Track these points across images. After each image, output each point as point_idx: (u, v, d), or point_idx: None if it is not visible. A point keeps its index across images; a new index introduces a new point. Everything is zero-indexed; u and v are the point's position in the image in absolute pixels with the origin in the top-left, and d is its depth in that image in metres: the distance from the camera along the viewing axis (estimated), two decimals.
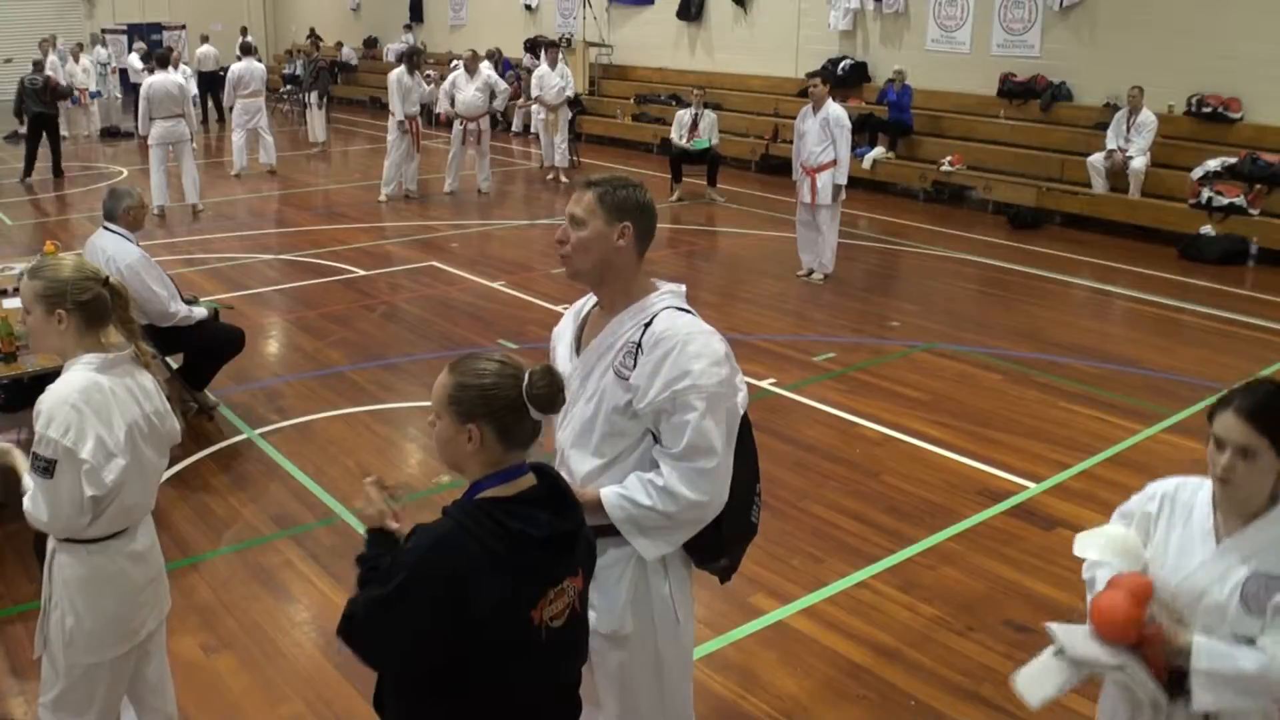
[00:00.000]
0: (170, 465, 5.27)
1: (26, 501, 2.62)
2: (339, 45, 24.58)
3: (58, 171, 13.99)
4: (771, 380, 6.54)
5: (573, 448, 2.46)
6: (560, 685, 2.10)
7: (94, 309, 2.64)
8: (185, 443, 5.56)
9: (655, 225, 2.46)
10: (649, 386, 2.30)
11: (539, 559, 1.93)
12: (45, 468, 2.54)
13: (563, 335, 2.61)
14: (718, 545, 2.47)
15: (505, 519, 1.89)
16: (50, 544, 2.75)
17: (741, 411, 2.42)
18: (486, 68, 14.09)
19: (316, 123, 16.99)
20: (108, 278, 2.69)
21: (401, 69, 12.54)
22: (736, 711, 3.54)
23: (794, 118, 14.85)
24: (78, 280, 2.62)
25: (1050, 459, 5.48)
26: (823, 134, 8.72)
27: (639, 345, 2.34)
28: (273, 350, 7.27)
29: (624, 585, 2.41)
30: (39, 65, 14.71)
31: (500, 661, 1.92)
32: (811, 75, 9.74)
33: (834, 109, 8.79)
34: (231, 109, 14.56)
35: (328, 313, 7.99)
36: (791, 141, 14.74)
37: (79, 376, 2.61)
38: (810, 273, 9.07)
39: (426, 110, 14.02)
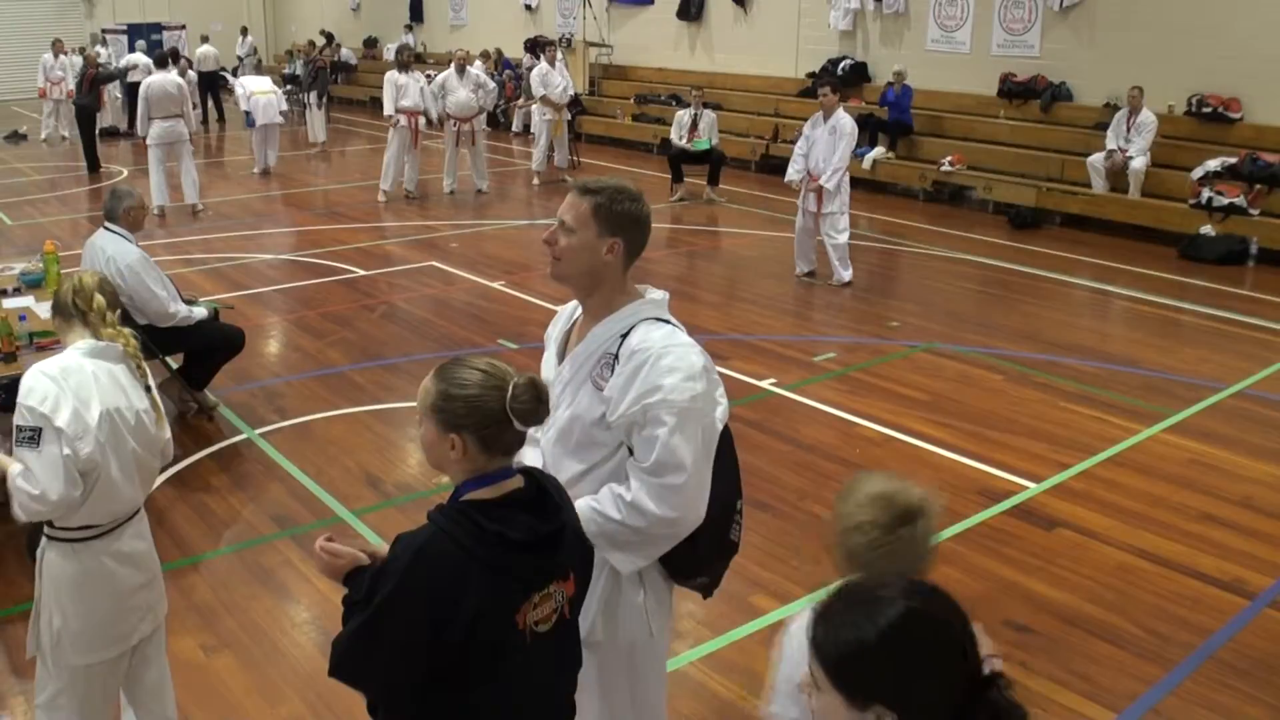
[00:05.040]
0: (170, 465, 5.28)
1: (20, 484, 2.61)
2: (338, 46, 24.57)
3: (93, 166, 14.32)
4: (771, 380, 6.54)
5: (554, 453, 2.44)
6: (551, 690, 2.08)
7: (59, 302, 2.85)
8: (185, 443, 5.58)
9: (647, 238, 2.41)
10: (621, 399, 2.27)
11: (519, 562, 1.91)
12: (31, 437, 2.59)
13: (551, 338, 2.59)
14: (694, 562, 2.42)
15: (484, 521, 1.88)
16: (42, 543, 2.76)
17: (720, 427, 2.37)
18: (475, 67, 14.07)
19: (316, 123, 16.97)
20: (78, 276, 2.87)
21: (395, 71, 12.60)
22: (737, 711, 3.53)
23: (794, 118, 14.99)
24: (61, 282, 2.93)
25: (1050, 459, 5.48)
26: (831, 142, 8.67)
27: (615, 357, 2.31)
28: (273, 350, 7.27)
29: (597, 592, 2.38)
30: (93, 60, 15.17)
31: (486, 666, 1.91)
32: (820, 81, 9.58)
33: (843, 119, 8.72)
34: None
35: (328, 313, 7.99)
36: (791, 141, 14.79)
37: (64, 357, 2.73)
38: (811, 273, 9.07)
39: None
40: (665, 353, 2.27)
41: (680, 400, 2.23)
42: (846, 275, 8.85)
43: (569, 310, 2.58)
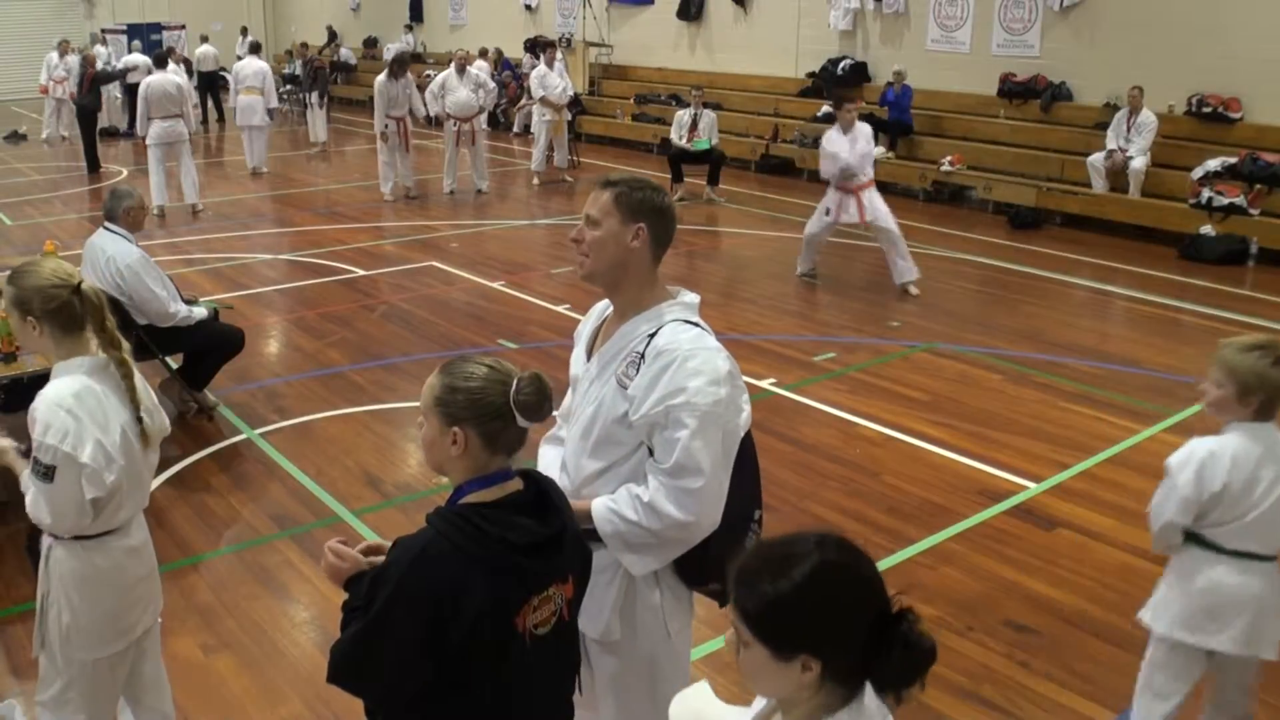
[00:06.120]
0: (170, 465, 5.28)
1: (29, 503, 2.63)
2: (338, 45, 24.58)
3: (93, 166, 14.32)
4: (771, 380, 6.54)
5: (575, 450, 2.44)
6: (549, 692, 2.08)
7: (64, 317, 2.61)
8: (185, 443, 5.58)
9: (673, 231, 2.41)
10: (644, 399, 2.26)
11: (520, 565, 1.91)
12: (45, 473, 2.54)
13: (581, 335, 2.59)
14: (705, 569, 2.40)
15: (484, 524, 1.88)
16: (46, 541, 2.75)
17: (742, 433, 2.37)
18: (477, 67, 13.99)
19: (318, 122, 16.91)
20: (79, 284, 2.63)
21: (384, 76, 12.34)
22: None
23: (794, 118, 14.99)
24: (44, 289, 2.59)
25: (1050, 459, 5.48)
26: (861, 150, 8.52)
27: (642, 356, 2.30)
28: (273, 350, 7.27)
29: (613, 591, 2.37)
30: (93, 60, 15.20)
31: (485, 669, 1.91)
32: (846, 97, 9.07)
33: (864, 128, 8.66)
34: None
35: (328, 313, 7.98)
36: (791, 141, 14.78)
37: (71, 381, 2.61)
38: (812, 273, 9.04)
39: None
40: (692, 355, 2.26)
41: (703, 404, 2.23)
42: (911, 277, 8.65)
43: (599, 308, 2.58)
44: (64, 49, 17.56)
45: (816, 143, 13.88)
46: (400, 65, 12.53)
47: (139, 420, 2.72)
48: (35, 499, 2.59)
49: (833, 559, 1.51)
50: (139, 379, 2.77)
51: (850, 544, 1.55)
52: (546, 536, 1.94)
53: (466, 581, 1.84)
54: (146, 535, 2.90)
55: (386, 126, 12.31)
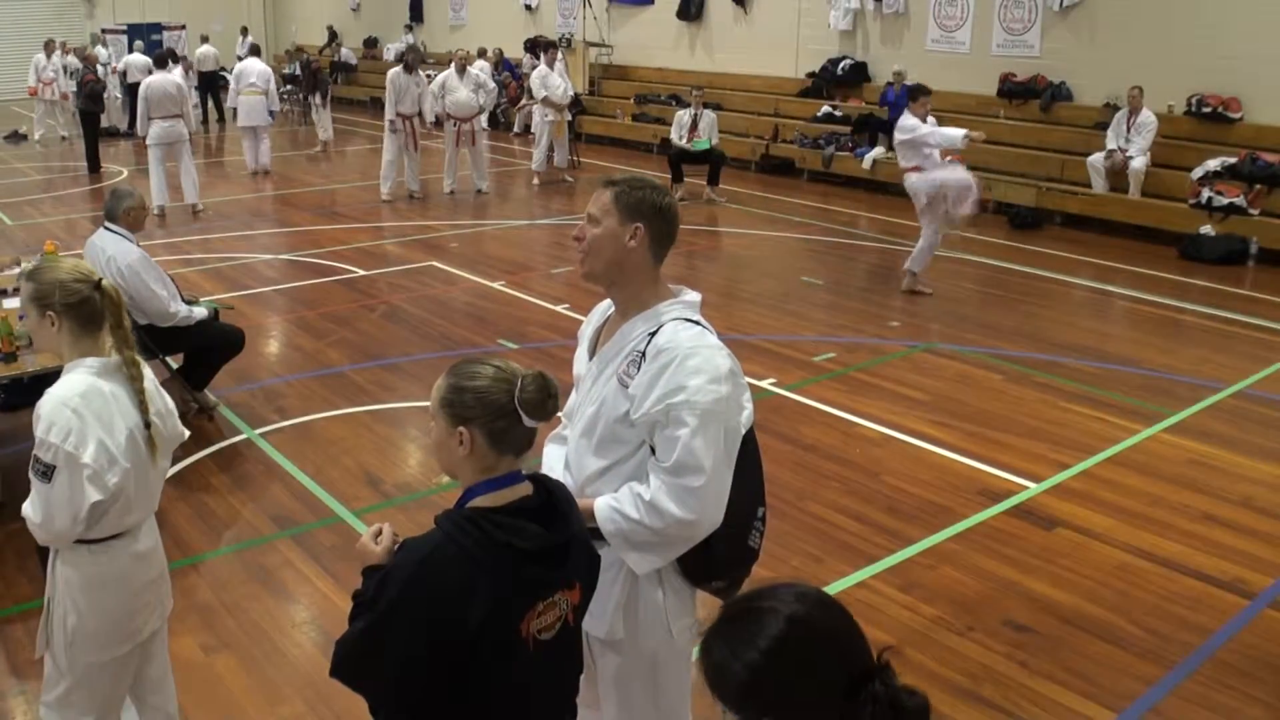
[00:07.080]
0: (171, 465, 5.28)
1: (25, 508, 2.60)
2: (339, 45, 24.58)
3: (94, 167, 14.41)
4: (771, 380, 6.54)
5: (578, 448, 2.45)
6: (551, 696, 2.08)
7: (84, 313, 2.61)
8: (185, 443, 5.55)
9: (674, 230, 2.40)
10: (645, 397, 2.26)
11: (526, 571, 1.91)
12: (44, 472, 2.53)
13: (584, 335, 2.60)
14: (709, 566, 2.41)
15: (492, 530, 1.88)
16: None
17: (744, 430, 2.36)
18: (477, 67, 13.98)
19: (324, 121, 16.80)
20: (99, 281, 2.64)
21: (398, 69, 12.53)
22: None
23: (794, 118, 14.99)
24: (66, 284, 2.60)
25: (1050, 459, 5.48)
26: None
27: (643, 355, 2.31)
28: (273, 350, 7.27)
29: (616, 590, 2.38)
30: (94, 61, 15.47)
31: (488, 674, 1.91)
32: (916, 87, 8.78)
33: (931, 121, 8.55)
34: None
35: (328, 313, 7.98)
36: (791, 141, 14.79)
37: (79, 380, 2.60)
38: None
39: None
40: (692, 353, 2.26)
41: (703, 402, 2.23)
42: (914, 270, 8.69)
43: (602, 308, 2.58)
44: (50, 49, 17.56)
45: (816, 143, 14.02)
46: (415, 59, 12.66)
47: (148, 425, 2.71)
48: (31, 499, 2.57)
49: (801, 616, 1.43)
50: (151, 382, 2.76)
51: (824, 597, 1.47)
52: (554, 543, 1.94)
53: (472, 586, 1.84)
54: (156, 539, 2.88)
55: (394, 121, 12.35)
